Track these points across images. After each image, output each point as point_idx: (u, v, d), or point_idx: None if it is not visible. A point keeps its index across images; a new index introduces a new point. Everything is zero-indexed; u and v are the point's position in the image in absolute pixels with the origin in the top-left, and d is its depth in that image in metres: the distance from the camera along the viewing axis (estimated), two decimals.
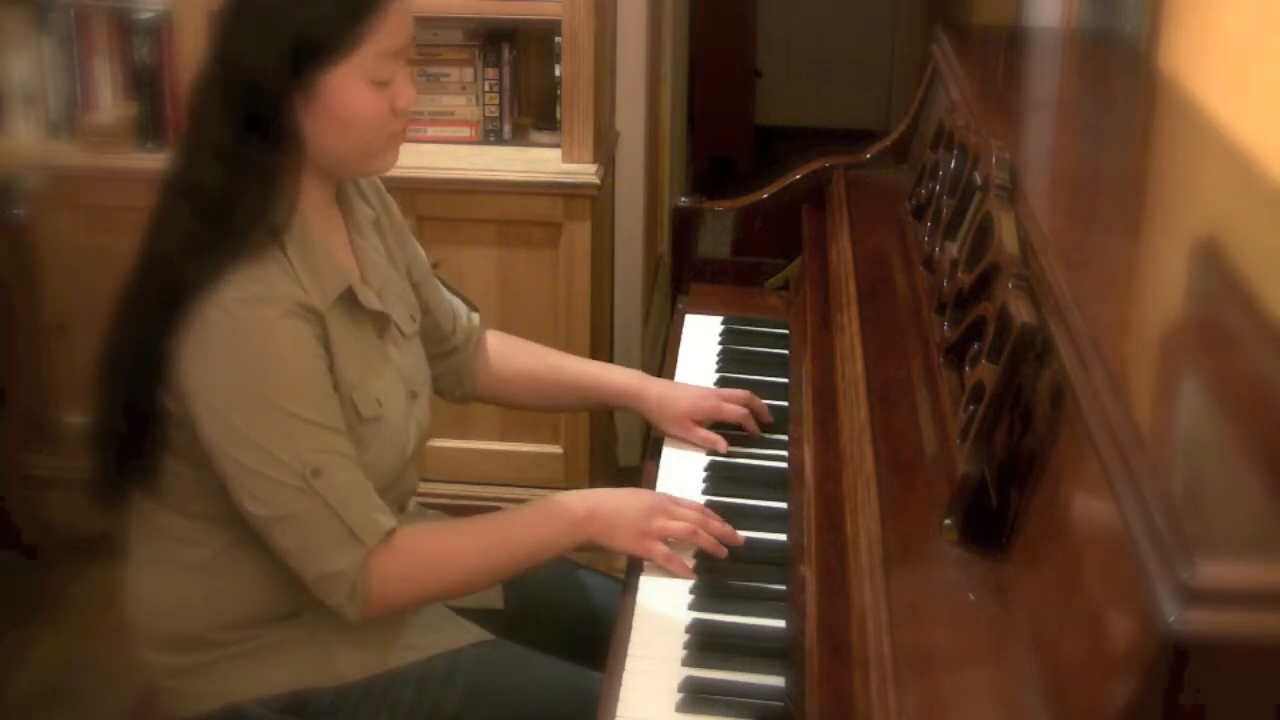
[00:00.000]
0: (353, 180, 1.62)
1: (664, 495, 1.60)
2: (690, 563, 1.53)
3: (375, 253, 1.61)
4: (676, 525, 1.53)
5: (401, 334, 1.62)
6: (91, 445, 1.55)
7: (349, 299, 1.51)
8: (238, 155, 1.44)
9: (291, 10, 1.42)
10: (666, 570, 1.52)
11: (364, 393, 1.51)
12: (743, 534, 1.58)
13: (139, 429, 1.50)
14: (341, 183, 1.59)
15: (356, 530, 1.44)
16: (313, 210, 1.51)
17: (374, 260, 1.60)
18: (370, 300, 1.54)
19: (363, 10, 1.43)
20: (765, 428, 1.80)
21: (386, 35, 1.45)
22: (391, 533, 1.47)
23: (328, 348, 1.47)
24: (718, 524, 1.55)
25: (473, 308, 1.85)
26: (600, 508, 1.55)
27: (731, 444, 1.77)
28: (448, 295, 1.81)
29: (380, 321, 1.57)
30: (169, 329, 1.42)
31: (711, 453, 1.76)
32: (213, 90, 1.46)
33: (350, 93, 1.45)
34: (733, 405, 1.79)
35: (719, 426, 1.79)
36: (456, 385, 1.83)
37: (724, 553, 1.53)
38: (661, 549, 1.52)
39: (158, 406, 1.47)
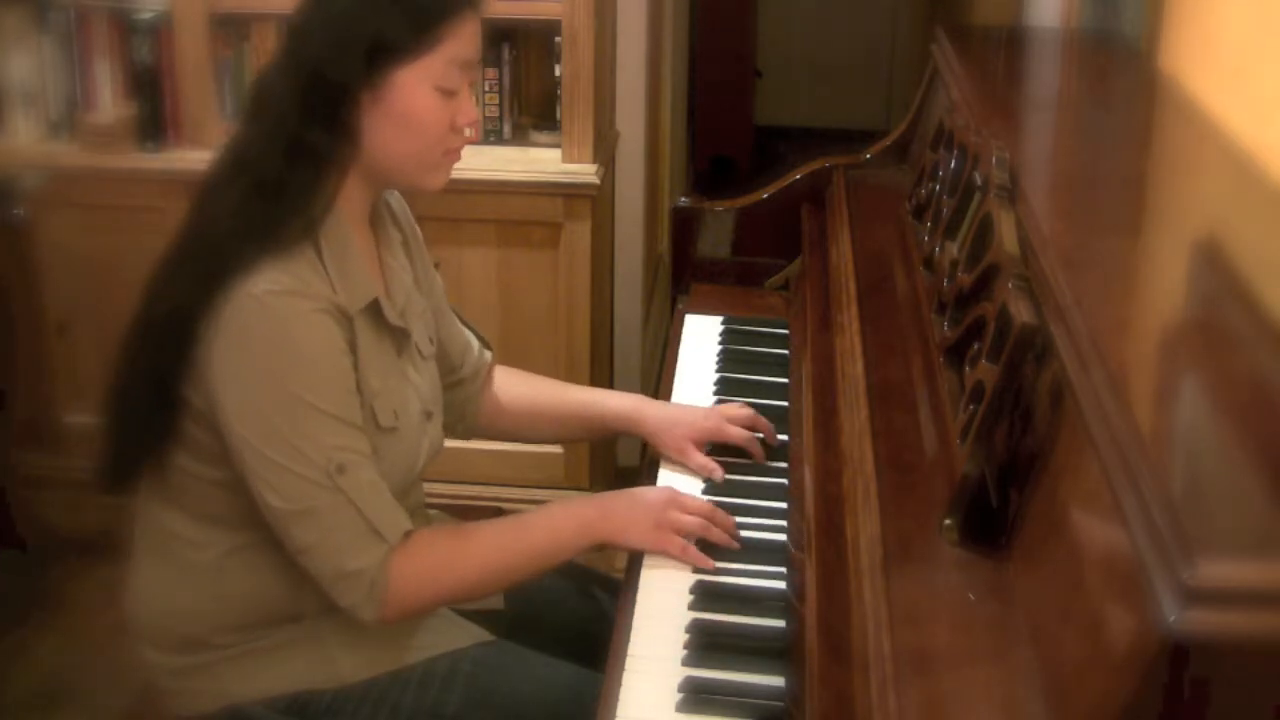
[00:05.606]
0: (385, 202, 1.63)
1: (671, 489, 1.61)
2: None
3: (403, 272, 1.62)
4: (689, 519, 1.54)
5: (420, 354, 1.63)
6: (104, 420, 1.54)
7: (374, 311, 1.52)
8: (298, 141, 1.46)
9: (372, 9, 1.45)
10: (684, 560, 1.52)
11: (383, 402, 1.52)
12: (743, 534, 1.58)
13: (155, 413, 1.49)
14: (378, 201, 1.60)
15: (379, 527, 1.45)
16: (351, 220, 1.52)
17: (401, 279, 1.61)
18: (393, 316, 1.55)
19: (441, 15, 1.46)
20: (767, 448, 1.74)
21: (459, 44, 1.48)
22: (409, 534, 1.47)
23: (354, 351, 1.48)
24: (723, 517, 1.56)
25: (486, 345, 1.84)
26: (612, 508, 1.57)
27: (730, 471, 1.70)
28: (461, 328, 1.80)
29: (400, 338, 1.58)
30: (201, 309, 1.42)
31: (708, 480, 1.70)
32: (284, 77, 1.48)
33: (416, 94, 1.47)
34: (737, 428, 1.73)
35: (722, 450, 1.74)
36: (459, 419, 1.81)
37: (735, 545, 1.54)
38: (678, 541, 1.53)
39: (177, 394, 1.47)
